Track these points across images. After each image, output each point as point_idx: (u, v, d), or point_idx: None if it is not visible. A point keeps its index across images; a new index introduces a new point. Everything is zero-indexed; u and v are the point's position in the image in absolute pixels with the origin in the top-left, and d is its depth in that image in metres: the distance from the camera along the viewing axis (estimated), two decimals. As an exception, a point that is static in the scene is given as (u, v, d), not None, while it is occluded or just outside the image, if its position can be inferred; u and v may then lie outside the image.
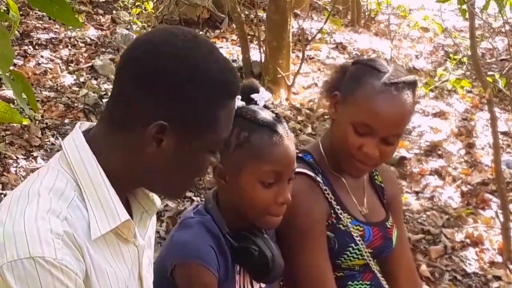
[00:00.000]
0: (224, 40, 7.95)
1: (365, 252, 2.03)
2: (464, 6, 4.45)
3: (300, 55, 7.21)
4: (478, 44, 7.49)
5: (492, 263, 4.36)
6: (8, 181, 4.35)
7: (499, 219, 4.48)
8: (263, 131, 1.80)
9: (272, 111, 1.87)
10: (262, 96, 1.89)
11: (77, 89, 5.92)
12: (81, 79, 6.11)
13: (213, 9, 8.28)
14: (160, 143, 1.37)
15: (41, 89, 5.80)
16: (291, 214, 1.90)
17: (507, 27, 6.18)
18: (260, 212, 1.82)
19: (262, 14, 7.63)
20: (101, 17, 7.91)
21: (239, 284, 1.88)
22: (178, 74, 1.36)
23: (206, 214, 1.86)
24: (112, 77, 6.17)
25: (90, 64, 6.49)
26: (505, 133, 6.28)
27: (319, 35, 7.79)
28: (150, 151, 1.38)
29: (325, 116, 6.24)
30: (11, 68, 1.84)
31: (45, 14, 7.17)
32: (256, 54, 6.94)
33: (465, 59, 7.87)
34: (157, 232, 3.93)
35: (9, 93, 5.14)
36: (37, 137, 4.99)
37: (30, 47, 6.62)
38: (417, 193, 5.25)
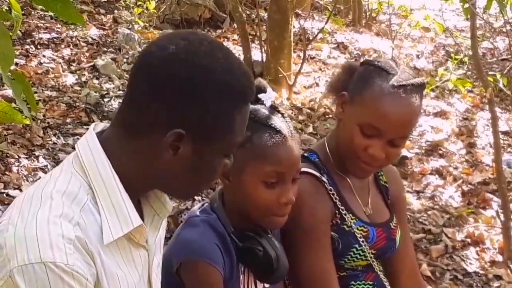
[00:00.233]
0: (226, 40, 7.95)
1: (368, 253, 2.03)
2: (466, 5, 4.45)
3: (302, 54, 7.22)
4: (479, 44, 7.49)
5: (493, 263, 4.37)
6: (10, 180, 4.35)
7: (499, 219, 4.48)
8: (266, 131, 1.79)
9: (278, 111, 1.86)
10: (269, 96, 1.87)
11: (78, 88, 5.93)
12: (83, 79, 6.11)
13: (215, 9, 8.28)
14: (177, 150, 1.37)
15: (43, 89, 5.80)
16: (296, 213, 1.90)
17: (508, 27, 6.18)
18: (263, 212, 1.82)
19: (264, 14, 7.64)
20: (102, 16, 7.91)
21: (243, 283, 1.88)
22: (193, 81, 1.34)
23: (212, 213, 1.86)
24: (114, 76, 6.19)
25: (91, 63, 6.49)
26: (506, 133, 6.29)
27: (320, 35, 7.79)
28: (167, 158, 1.37)
29: (326, 116, 6.25)
30: (13, 67, 1.84)
31: (47, 13, 7.18)
32: (257, 54, 6.94)
33: (466, 59, 7.87)
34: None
35: (10, 92, 5.14)
36: (39, 136, 4.99)
37: (32, 46, 6.62)
38: (418, 192, 5.25)
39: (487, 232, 4.63)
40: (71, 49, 6.78)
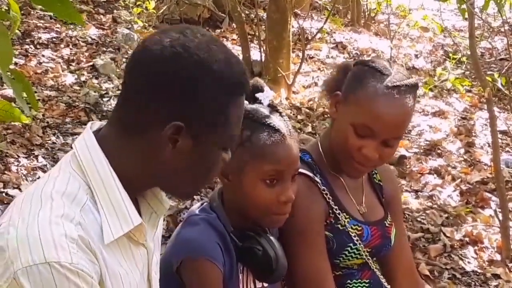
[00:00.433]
0: (225, 39, 7.96)
1: (364, 251, 2.03)
2: (464, 6, 4.46)
3: (300, 54, 7.23)
4: (478, 44, 7.51)
5: (491, 262, 4.37)
6: (9, 179, 4.35)
7: (498, 218, 4.48)
8: (265, 130, 1.79)
9: (277, 110, 1.87)
10: (267, 95, 1.88)
11: (78, 88, 5.93)
12: (82, 78, 6.12)
13: (214, 9, 8.29)
14: (176, 143, 1.37)
15: (42, 88, 5.81)
16: (289, 214, 1.90)
17: (506, 27, 6.20)
18: (263, 211, 1.82)
19: (263, 14, 7.64)
20: (102, 16, 7.91)
21: (242, 283, 1.88)
22: (191, 76, 1.35)
23: (212, 212, 1.87)
24: (113, 76, 6.19)
25: (91, 63, 6.50)
26: (504, 132, 6.29)
27: (319, 35, 7.80)
28: (167, 152, 1.38)
29: (325, 115, 6.26)
30: (12, 67, 1.85)
31: (46, 13, 7.19)
32: (256, 54, 6.95)
33: (464, 59, 7.89)
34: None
35: (10, 92, 5.15)
36: (38, 136, 5.00)
37: (31, 46, 6.62)
38: (416, 191, 5.26)
39: (486, 231, 4.64)
40: (70, 49, 6.78)
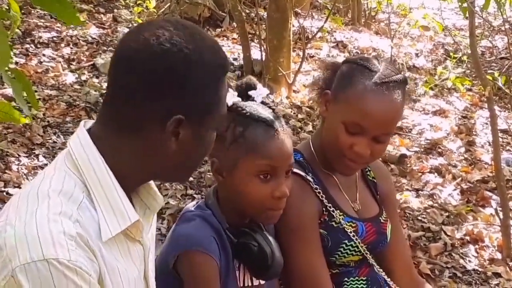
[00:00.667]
0: (225, 38, 7.96)
1: (361, 246, 2.04)
2: (464, 5, 4.46)
3: (301, 53, 7.22)
4: (478, 43, 7.51)
5: (492, 260, 4.37)
6: (10, 178, 4.36)
7: (498, 217, 4.49)
8: (258, 126, 1.81)
9: (269, 107, 1.88)
10: (260, 92, 1.90)
11: (78, 87, 5.94)
12: (83, 78, 6.12)
13: (214, 8, 8.28)
14: (178, 136, 1.39)
15: (43, 88, 5.82)
16: (283, 213, 1.91)
17: (507, 26, 6.19)
18: (258, 207, 1.83)
19: (263, 13, 7.64)
20: (102, 15, 7.92)
21: (239, 280, 1.89)
22: (182, 70, 1.37)
23: (207, 209, 1.88)
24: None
25: (91, 62, 6.51)
26: (504, 131, 6.29)
27: (319, 34, 7.80)
28: (171, 146, 1.40)
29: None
30: (13, 66, 1.85)
31: (46, 12, 7.19)
32: (257, 53, 6.95)
33: (465, 58, 7.89)
34: (158, 229, 3.94)
35: (11, 91, 5.15)
36: (39, 135, 5.01)
37: (32, 45, 6.63)
38: (417, 190, 5.26)
39: (486, 230, 4.64)
40: (71, 48, 6.79)
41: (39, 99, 5.51)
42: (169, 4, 8.10)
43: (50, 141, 4.99)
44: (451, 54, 8.40)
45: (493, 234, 4.59)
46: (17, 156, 4.67)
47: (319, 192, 2.02)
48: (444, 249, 4.45)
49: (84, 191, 1.38)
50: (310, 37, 7.59)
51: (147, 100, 1.37)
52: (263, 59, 6.80)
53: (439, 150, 6.05)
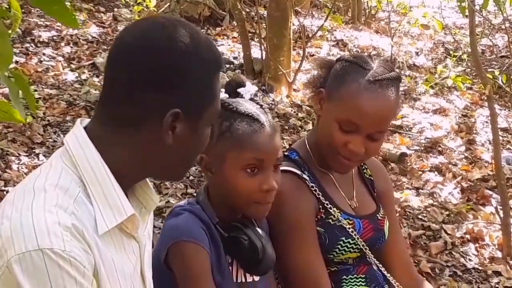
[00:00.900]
0: (225, 37, 7.96)
1: (360, 242, 2.04)
2: (464, 4, 4.46)
3: (301, 52, 7.22)
4: (478, 41, 7.51)
5: (492, 259, 4.38)
6: (10, 178, 4.36)
7: (499, 215, 4.49)
8: (244, 120, 1.82)
9: (257, 103, 1.90)
10: (248, 89, 1.92)
11: (78, 86, 5.94)
12: (83, 77, 6.12)
13: (214, 7, 8.29)
14: (174, 130, 1.40)
15: (43, 87, 5.82)
16: (279, 211, 1.93)
17: (507, 24, 6.20)
18: (246, 200, 1.83)
19: (263, 12, 7.64)
20: (102, 14, 7.92)
21: (232, 276, 1.89)
22: (180, 65, 1.39)
23: (197, 205, 1.89)
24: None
25: (91, 61, 6.51)
26: (505, 130, 6.30)
27: (319, 32, 7.80)
28: (168, 140, 1.41)
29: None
30: (13, 66, 1.85)
31: (46, 12, 7.18)
32: (257, 52, 6.95)
33: (465, 56, 7.89)
34: (159, 228, 3.94)
35: (11, 90, 5.15)
36: (39, 134, 5.01)
37: (32, 44, 6.63)
38: (417, 189, 5.26)
39: (486, 229, 4.64)
40: (71, 47, 6.79)
41: (39, 98, 5.51)
42: (169, 3, 8.10)
43: (50, 140, 4.99)
44: (451, 52, 8.41)
45: (493, 232, 4.59)
46: (17, 155, 4.67)
47: (315, 190, 2.03)
48: (445, 247, 4.45)
49: (81, 186, 1.39)
50: (310, 35, 7.59)
51: (144, 95, 1.38)
52: (263, 58, 6.80)
53: (440, 148, 6.05)
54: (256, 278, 1.93)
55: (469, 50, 5.84)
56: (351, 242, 2.04)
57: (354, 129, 1.95)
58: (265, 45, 6.73)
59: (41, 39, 6.75)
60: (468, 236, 4.58)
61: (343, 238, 2.03)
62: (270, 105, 6.26)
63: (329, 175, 2.11)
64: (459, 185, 5.33)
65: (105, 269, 1.37)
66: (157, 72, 1.38)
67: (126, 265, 1.46)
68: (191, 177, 4.80)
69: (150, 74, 1.38)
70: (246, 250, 1.84)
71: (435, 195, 5.15)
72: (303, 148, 2.11)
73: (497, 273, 4.23)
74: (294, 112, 6.29)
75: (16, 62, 5.95)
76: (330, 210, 2.03)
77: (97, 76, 6.22)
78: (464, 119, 6.83)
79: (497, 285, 4.14)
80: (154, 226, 1.97)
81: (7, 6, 6.03)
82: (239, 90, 1.91)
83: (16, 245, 1.27)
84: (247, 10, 7.86)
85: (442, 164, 5.68)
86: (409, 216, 4.77)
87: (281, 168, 1.97)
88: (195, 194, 4.50)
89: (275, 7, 6.67)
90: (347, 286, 2.07)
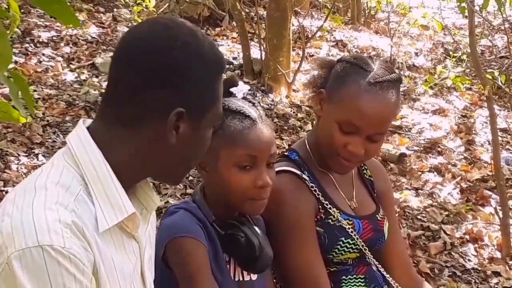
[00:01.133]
0: (225, 38, 7.96)
1: (359, 242, 2.04)
2: (464, 4, 4.46)
3: (301, 52, 7.22)
4: (478, 42, 7.51)
5: (491, 259, 4.38)
6: (9, 178, 4.36)
7: (498, 216, 4.49)
8: (236, 117, 1.83)
9: (249, 101, 1.91)
10: (241, 89, 1.93)
11: (78, 86, 5.94)
12: (82, 77, 6.12)
13: (214, 7, 8.29)
14: (178, 130, 1.41)
15: (43, 87, 5.82)
16: (278, 211, 1.93)
17: (507, 25, 6.20)
18: (241, 197, 1.84)
19: (263, 12, 7.64)
20: (102, 15, 7.92)
21: (230, 275, 1.89)
22: (183, 64, 1.40)
23: (193, 204, 1.89)
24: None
25: (91, 62, 6.51)
26: (504, 130, 6.30)
27: (319, 33, 7.80)
28: (171, 139, 1.41)
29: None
30: (12, 66, 1.85)
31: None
32: (256, 52, 6.95)
33: (464, 57, 7.90)
34: (156, 228, 3.94)
35: (10, 91, 5.15)
36: (38, 134, 5.01)
37: (32, 45, 6.63)
38: (416, 189, 5.26)
39: (486, 229, 4.64)
40: (70, 47, 6.79)
41: (39, 98, 5.52)
42: (168, 3, 8.10)
43: (49, 140, 4.99)
44: (450, 53, 8.41)
45: (492, 233, 4.59)
46: (17, 155, 4.67)
47: (315, 190, 2.03)
48: (444, 248, 4.45)
49: (82, 184, 1.39)
50: (309, 36, 7.59)
51: (146, 95, 1.39)
52: (263, 58, 6.80)
53: (439, 149, 6.06)
54: (254, 277, 1.93)
55: (469, 50, 5.84)
56: (351, 242, 2.04)
57: (354, 131, 1.96)
58: (264, 46, 6.73)
59: (40, 39, 6.75)
60: (467, 237, 4.58)
61: (343, 239, 2.03)
62: (270, 105, 6.27)
63: (329, 175, 2.11)
64: (459, 186, 5.33)
65: (105, 268, 1.37)
66: (157, 72, 1.39)
67: (125, 265, 1.46)
68: (190, 178, 4.81)
69: (151, 74, 1.39)
70: (243, 247, 1.84)
71: (434, 196, 5.15)
72: (303, 148, 2.12)
73: (496, 274, 4.23)
74: (294, 112, 6.29)
75: (16, 62, 5.95)
76: (330, 211, 2.03)
77: (97, 77, 6.22)
78: (464, 120, 6.83)
79: (496, 286, 4.14)
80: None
81: (6, 7, 6.04)
82: (232, 89, 1.93)
83: (17, 242, 1.27)
84: (247, 10, 7.86)
85: (441, 165, 5.68)
86: (409, 217, 4.77)
87: (281, 168, 1.97)
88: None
89: (274, 8, 6.67)
90: (347, 286, 2.08)
